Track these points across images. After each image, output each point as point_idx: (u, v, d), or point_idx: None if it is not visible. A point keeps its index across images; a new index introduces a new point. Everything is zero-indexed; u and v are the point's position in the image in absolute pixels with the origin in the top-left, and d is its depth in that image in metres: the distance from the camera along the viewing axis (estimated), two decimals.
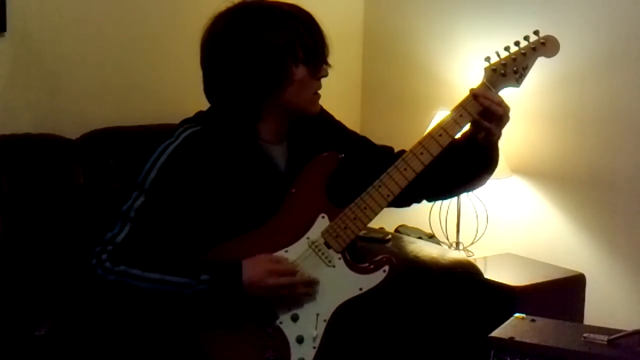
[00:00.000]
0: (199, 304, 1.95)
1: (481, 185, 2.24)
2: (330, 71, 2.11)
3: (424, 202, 2.27)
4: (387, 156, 2.17)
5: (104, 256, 1.96)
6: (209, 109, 2.12)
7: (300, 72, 2.03)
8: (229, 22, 2.04)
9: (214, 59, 2.05)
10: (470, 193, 3.22)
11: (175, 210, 1.99)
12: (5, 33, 2.77)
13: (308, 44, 2.02)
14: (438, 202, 3.22)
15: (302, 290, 2.00)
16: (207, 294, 1.94)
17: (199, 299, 1.94)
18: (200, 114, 2.11)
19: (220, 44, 2.04)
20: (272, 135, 2.09)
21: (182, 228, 1.99)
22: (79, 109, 2.93)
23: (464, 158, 2.10)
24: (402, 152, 2.17)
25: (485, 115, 2.04)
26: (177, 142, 2.02)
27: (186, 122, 2.09)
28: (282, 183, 2.07)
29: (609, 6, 2.95)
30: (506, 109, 2.05)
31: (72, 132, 2.74)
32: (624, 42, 2.92)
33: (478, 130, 2.06)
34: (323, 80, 2.11)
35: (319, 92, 2.10)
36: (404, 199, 2.12)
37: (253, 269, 1.96)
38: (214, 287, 1.94)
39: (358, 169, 2.12)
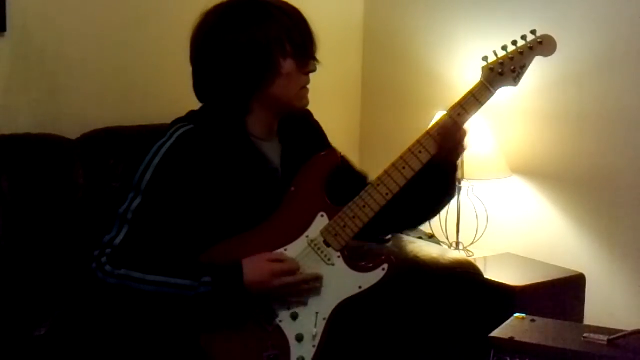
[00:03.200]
0: (201, 305, 1.95)
1: (442, 209, 2.25)
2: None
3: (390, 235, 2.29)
4: (359, 182, 2.18)
5: (104, 259, 1.95)
6: (201, 107, 2.13)
7: (288, 65, 2.04)
8: (218, 18, 2.06)
9: (204, 54, 2.07)
10: (470, 193, 3.23)
11: (173, 210, 1.98)
12: (5, 33, 2.78)
13: (296, 38, 2.04)
14: None
15: (306, 287, 2.01)
16: (209, 296, 1.94)
17: (201, 300, 1.94)
18: (192, 113, 2.12)
19: (209, 39, 2.06)
20: (263, 131, 2.10)
21: (180, 228, 1.99)
22: (79, 109, 2.93)
23: (426, 181, 2.09)
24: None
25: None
26: (171, 141, 2.02)
27: (178, 121, 2.09)
28: (277, 179, 2.08)
29: (609, 6, 2.95)
30: (459, 139, 2.05)
31: (72, 132, 2.75)
32: (624, 42, 2.92)
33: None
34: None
35: (308, 87, 2.10)
36: (375, 232, 2.15)
37: (255, 269, 1.96)
38: (217, 289, 1.94)
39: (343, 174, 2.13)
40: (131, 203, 1.98)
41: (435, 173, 2.09)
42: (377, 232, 2.20)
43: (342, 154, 2.26)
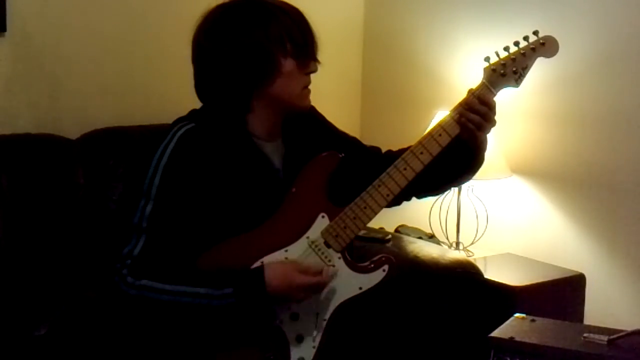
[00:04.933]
0: (223, 314, 1.94)
1: (465, 182, 2.35)
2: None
3: (413, 199, 2.27)
4: (375, 157, 2.21)
5: (125, 271, 1.94)
6: (202, 106, 2.13)
7: (289, 64, 2.04)
8: (220, 18, 2.06)
9: (205, 54, 2.07)
10: (470, 193, 3.23)
11: (184, 211, 1.98)
12: (5, 33, 2.78)
13: (297, 38, 2.04)
14: (438, 203, 3.24)
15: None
16: (233, 307, 1.93)
17: (224, 310, 1.94)
18: (193, 112, 2.12)
19: (211, 38, 2.06)
20: (265, 131, 2.10)
21: (194, 229, 1.98)
22: (79, 109, 2.93)
23: (450, 157, 2.10)
24: (389, 152, 2.21)
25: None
26: (174, 141, 2.02)
27: (180, 120, 2.09)
28: (278, 180, 2.08)
29: (609, 6, 2.95)
30: (488, 116, 2.05)
31: (72, 132, 2.75)
32: (624, 42, 2.93)
33: (464, 131, 2.07)
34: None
35: (310, 87, 2.10)
36: (395, 198, 2.13)
37: (280, 279, 1.95)
38: (240, 299, 1.93)
39: (351, 168, 2.13)
40: (144, 210, 1.98)
41: (461, 150, 2.09)
42: (403, 196, 2.15)
43: (349, 135, 2.27)
